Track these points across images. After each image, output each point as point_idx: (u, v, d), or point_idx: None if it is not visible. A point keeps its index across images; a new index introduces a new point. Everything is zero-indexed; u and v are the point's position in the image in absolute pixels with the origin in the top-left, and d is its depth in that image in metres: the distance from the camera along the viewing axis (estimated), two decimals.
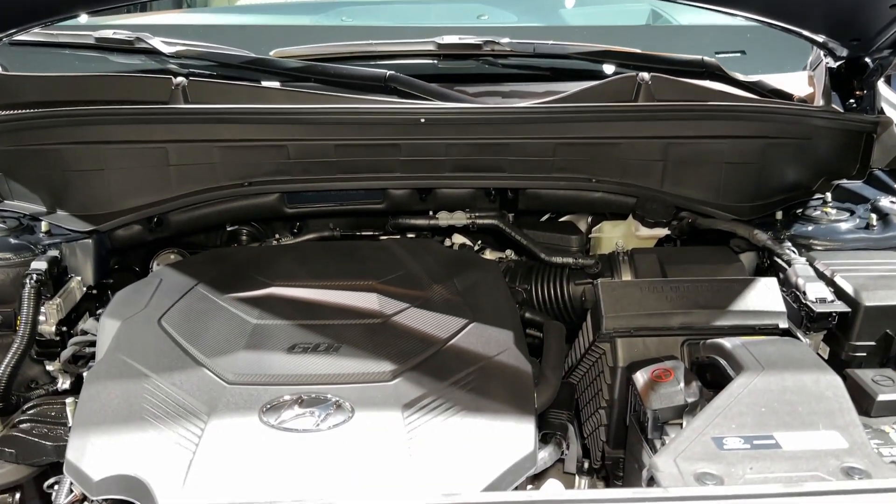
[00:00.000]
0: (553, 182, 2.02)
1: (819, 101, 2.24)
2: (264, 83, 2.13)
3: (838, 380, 1.33)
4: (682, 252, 1.89)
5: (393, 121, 1.89)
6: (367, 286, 1.65)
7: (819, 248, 1.92)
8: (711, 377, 1.53)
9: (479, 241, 2.12)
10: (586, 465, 1.71)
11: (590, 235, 2.18)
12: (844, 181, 2.22)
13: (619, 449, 1.69)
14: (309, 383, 1.39)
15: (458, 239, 2.09)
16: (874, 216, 1.96)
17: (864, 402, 1.44)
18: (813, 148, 2.14)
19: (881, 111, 2.26)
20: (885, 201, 2.08)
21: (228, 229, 2.16)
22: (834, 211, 2.04)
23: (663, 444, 1.40)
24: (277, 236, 2.07)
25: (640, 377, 1.52)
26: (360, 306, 1.59)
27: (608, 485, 1.76)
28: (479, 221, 2.00)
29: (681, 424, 1.43)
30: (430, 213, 2.08)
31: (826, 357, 1.67)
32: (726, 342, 1.47)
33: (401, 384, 1.39)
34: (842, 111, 2.22)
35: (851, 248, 1.90)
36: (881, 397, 1.43)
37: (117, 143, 1.89)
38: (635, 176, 2.02)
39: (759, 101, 2.19)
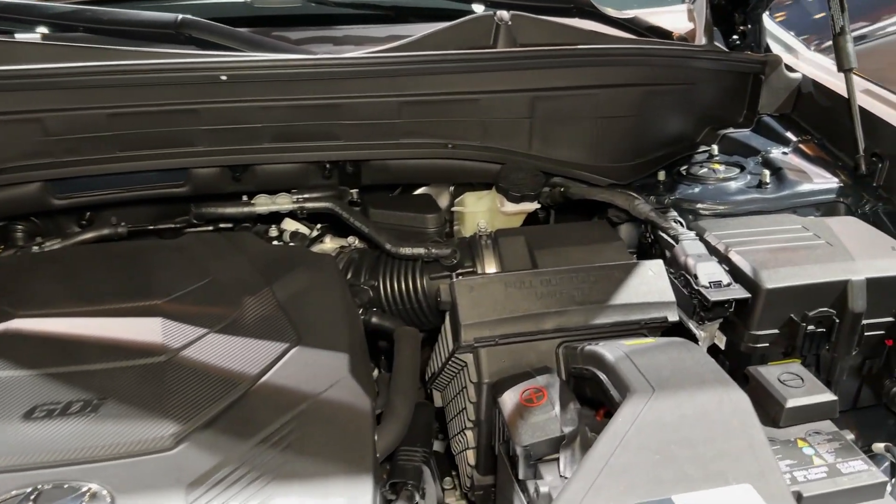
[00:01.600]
0: (401, 150, 1.66)
1: (701, 40, 1.97)
2: (18, 36, 1.63)
3: (743, 398, 1.06)
4: (553, 232, 1.59)
5: (185, 79, 1.46)
6: (148, 308, 1.25)
7: (706, 213, 1.67)
8: (592, 392, 1.24)
9: (319, 226, 1.74)
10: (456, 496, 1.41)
11: (452, 209, 1.84)
12: (731, 130, 1.98)
13: (490, 475, 1.40)
14: (53, 464, 0.99)
15: (290, 226, 1.70)
16: (767, 172, 1.72)
17: (771, 409, 1.20)
18: (697, 94, 1.88)
19: (767, 48, 2.02)
20: (776, 152, 1.85)
21: None
22: (722, 167, 1.79)
23: (536, 488, 1.11)
24: (40, 239, 1.61)
25: (508, 401, 1.21)
26: (137, 339, 1.19)
27: None
28: (310, 205, 1.60)
29: (557, 461, 1.14)
30: (246, 197, 1.67)
31: (723, 348, 1.43)
32: (607, 352, 1.17)
33: (186, 452, 1.02)
34: (726, 50, 1.97)
35: (744, 212, 1.66)
36: (790, 403, 1.18)
37: None
38: (499, 138, 1.68)
39: (636, 42, 1.90)
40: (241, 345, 1.21)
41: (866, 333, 1.38)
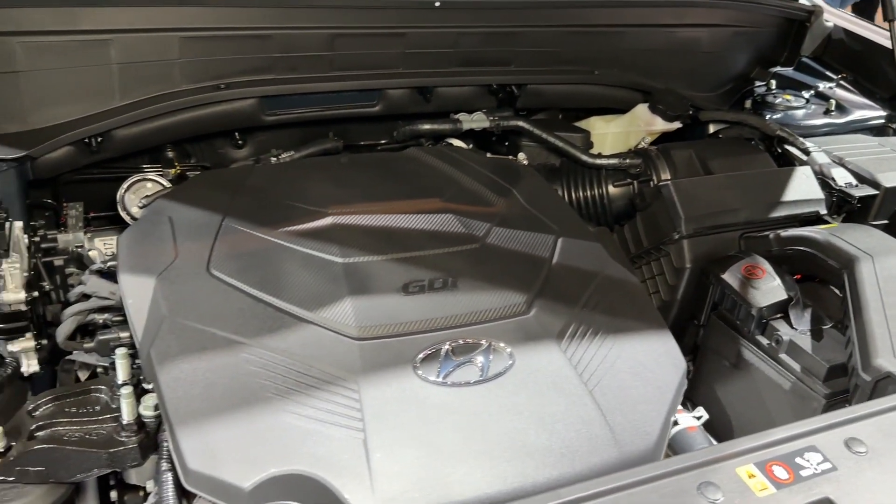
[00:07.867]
0: (556, 76, 1.87)
1: None
2: None
3: None
4: (710, 146, 1.87)
5: (403, 3, 1.59)
6: (435, 206, 1.40)
7: None
8: (792, 269, 1.56)
9: (471, 144, 1.92)
10: None
11: None
12: (778, 68, 2.35)
13: None
14: (444, 327, 1.16)
15: (455, 143, 1.86)
16: (833, 102, 2.10)
17: None
18: (759, 35, 2.22)
19: None
20: (823, 87, 2.24)
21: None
22: (791, 97, 2.16)
23: (777, 338, 1.41)
24: (276, 151, 1.67)
25: (732, 277, 1.51)
26: (446, 230, 1.35)
27: None
28: (504, 123, 1.78)
29: (783, 317, 1.45)
30: (451, 115, 1.80)
31: None
32: (813, 233, 1.50)
33: (539, 315, 1.22)
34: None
35: (821, 134, 2.03)
36: None
37: (36, 35, 1.37)
38: (633, 67, 1.94)
39: None
40: (521, 236, 1.40)
41: None
